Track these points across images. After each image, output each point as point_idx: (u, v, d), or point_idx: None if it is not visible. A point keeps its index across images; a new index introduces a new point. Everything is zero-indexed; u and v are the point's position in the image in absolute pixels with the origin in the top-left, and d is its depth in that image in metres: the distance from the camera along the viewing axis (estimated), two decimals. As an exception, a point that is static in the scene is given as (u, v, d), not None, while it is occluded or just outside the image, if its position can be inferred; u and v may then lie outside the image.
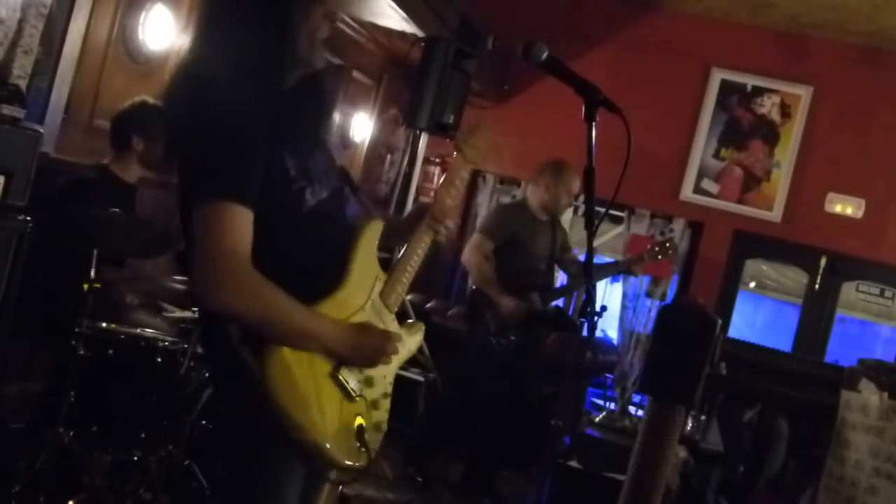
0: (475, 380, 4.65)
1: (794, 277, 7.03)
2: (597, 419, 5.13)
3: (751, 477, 3.64)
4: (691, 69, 6.57)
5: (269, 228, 1.68)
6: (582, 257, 5.07)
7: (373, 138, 6.63)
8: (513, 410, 4.62)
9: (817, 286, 6.39)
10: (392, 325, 1.91)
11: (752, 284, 7.56)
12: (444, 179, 2.09)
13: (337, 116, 6.05)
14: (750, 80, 6.47)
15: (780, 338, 6.68)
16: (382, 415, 1.89)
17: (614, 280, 7.05)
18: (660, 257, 4.75)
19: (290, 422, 1.65)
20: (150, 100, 3.46)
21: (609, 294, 6.89)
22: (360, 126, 6.41)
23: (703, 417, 3.77)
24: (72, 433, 2.93)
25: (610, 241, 6.93)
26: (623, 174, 1.83)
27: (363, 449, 1.77)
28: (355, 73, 6.15)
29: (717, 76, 6.53)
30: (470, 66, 5.49)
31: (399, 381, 1.94)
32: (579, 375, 5.21)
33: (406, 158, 6.37)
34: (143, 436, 3.07)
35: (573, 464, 3.86)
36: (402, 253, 2.01)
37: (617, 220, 6.73)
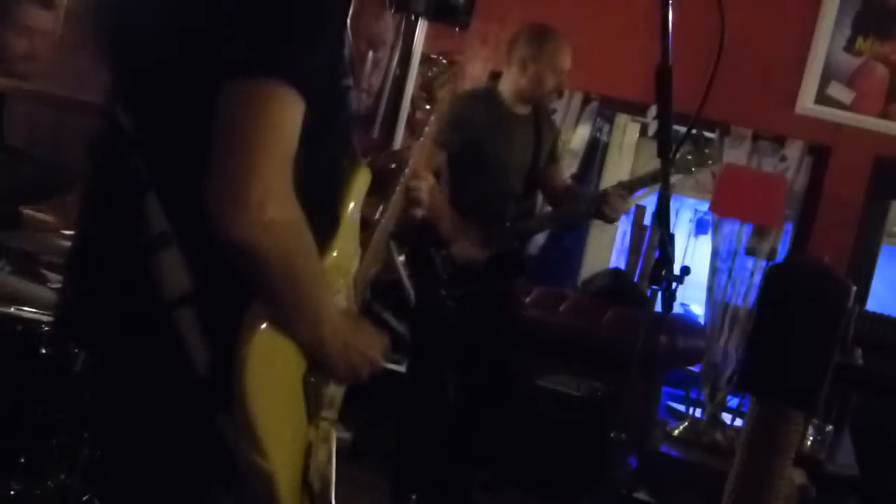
0: (424, 356, 4.65)
1: (963, 226, 7.02)
2: (676, 432, 5.16)
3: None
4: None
5: (306, 138, 1.56)
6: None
7: (349, 28, 6.59)
8: (480, 393, 4.58)
9: None
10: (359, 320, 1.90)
11: (901, 236, 7.56)
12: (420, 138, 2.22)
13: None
14: (900, -63, 6.40)
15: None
16: (328, 454, 1.85)
17: (700, 231, 7.04)
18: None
19: (255, 439, 1.55)
20: None
21: (693, 251, 6.90)
22: (331, 11, 6.38)
23: (830, 428, 3.78)
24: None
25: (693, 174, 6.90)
26: (712, 78, 1.81)
27: (307, 499, 1.72)
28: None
29: (852, -69, 6.46)
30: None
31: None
32: (650, 369, 5.21)
33: (397, 56, 6.35)
34: (22, 460, 3.07)
35: (641, 496, 3.89)
36: (377, 221, 2.01)
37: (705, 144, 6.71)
